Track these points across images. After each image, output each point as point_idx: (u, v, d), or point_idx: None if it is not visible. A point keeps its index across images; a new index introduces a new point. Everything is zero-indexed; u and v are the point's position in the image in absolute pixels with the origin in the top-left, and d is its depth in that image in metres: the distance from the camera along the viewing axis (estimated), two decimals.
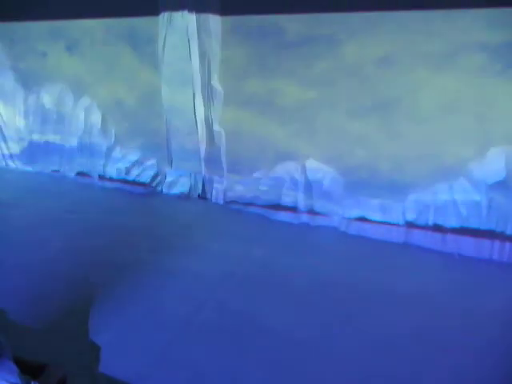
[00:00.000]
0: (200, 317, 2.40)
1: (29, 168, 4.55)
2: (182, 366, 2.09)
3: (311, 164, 3.22)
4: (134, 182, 4.01)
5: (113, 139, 4.05)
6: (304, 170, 3.24)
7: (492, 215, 2.74)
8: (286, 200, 3.36)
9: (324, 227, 3.26)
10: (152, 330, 2.31)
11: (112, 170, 4.09)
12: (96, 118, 4.02)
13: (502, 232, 2.73)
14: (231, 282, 2.69)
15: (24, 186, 4.19)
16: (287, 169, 3.31)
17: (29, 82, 4.27)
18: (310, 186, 3.25)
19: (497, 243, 2.76)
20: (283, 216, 3.39)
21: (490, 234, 2.77)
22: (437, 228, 2.91)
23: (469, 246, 2.83)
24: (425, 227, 2.94)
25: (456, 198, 2.83)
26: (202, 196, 3.82)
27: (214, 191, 3.73)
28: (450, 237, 2.87)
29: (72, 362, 2.06)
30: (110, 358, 2.13)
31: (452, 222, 2.86)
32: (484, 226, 2.77)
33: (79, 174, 4.29)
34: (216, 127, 3.53)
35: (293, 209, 3.35)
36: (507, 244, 2.73)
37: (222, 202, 3.69)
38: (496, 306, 2.39)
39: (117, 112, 3.94)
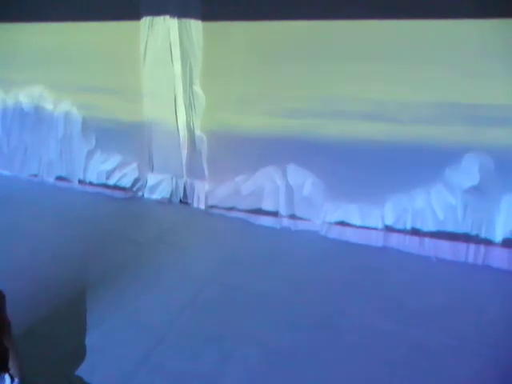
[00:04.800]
0: (178, 323, 2.40)
1: (6, 172, 4.48)
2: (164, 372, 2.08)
3: (292, 168, 3.25)
4: (114, 187, 3.97)
5: (93, 143, 4.01)
6: (285, 174, 3.27)
7: (467, 219, 2.81)
8: (268, 205, 3.38)
9: (305, 231, 3.29)
10: (130, 338, 2.29)
11: (92, 175, 4.05)
12: (76, 121, 3.98)
13: (476, 235, 2.80)
14: (212, 287, 2.70)
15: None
16: (268, 173, 3.34)
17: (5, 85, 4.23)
18: (291, 191, 3.27)
19: (472, 246, 2.82)
20: (265, 221, 3.41)
21: (465, 238, 2.83)
22: (414, 232, 2.96)
23: (445, 249, 2.89)
24: (403, 231, 3.00)
25: (433, 203, 2.90)
26: (184, 201, 3.81)
27: (195, 196, 3.73)
28: (427, 240, 2.93)
29: (49, 369, 2.04)
30: (89, 364, 2.11)
31: (429, 225, 2.92)
32: (460, 230, 2.84)
33: (58, 178, 4.23)
34: (197, 132, 3.54)
35: (274, 213, 3.37)
36: (482, 247, 2.80)
37: (203, 206, 3.69)
38: (469, 306, 2.45)
39: (98, 115, 3.92)
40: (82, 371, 2.07)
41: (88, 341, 2.25)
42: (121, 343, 2.26)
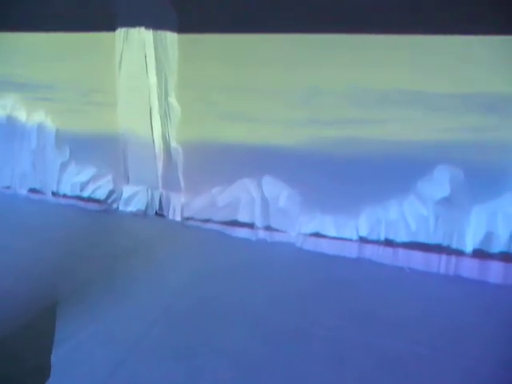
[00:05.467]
0: (150, 336, 2.35)
1: None
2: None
3: (267, 180, 3.26)
4: (88, 199, 3.91)
5: (67, 155, 3.96)
6: (260, 186, 3.27)
7: (439, 230, 2.85)
8: (243, 216, 3.37)
9: (281, 243, 3.28)
10: (100, 353, 2.24)
11: (66, 187, 3.99)
12: (50, 132, 3.93)
13: (448, 246, 2.84)
14: (185, 299, 2.66)
15: None
16: (244, 185, 3.33)
17: None
18: (266, 203, 3.28)
19: (444, 257, 2.86)
20: (241, 232, 3.40)
21: (437, 248, 2.87)
22: (388, 243, 2.99)
23: (418, 260, 2.92)
24: (377, 242, 3.02)
25: (406, 214, 2.94)
26: (159, 213, 3.78)
27: (171, 208, 3.70)
28: (400, 251, 2.96)
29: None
30: (55, 381, 2.05)
31: (402, 236, 2.95)
32: (432, 241, 2.88)
33: (32, 190, 4.15)
34: (173, 143, 3.53)
35: (250, 225, 3.36)
36: (453, 257, 2.84)
37: (179, 218, 3.66)
38: (441, 316, 2.48)
39: (72, 127, 3.87)
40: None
41: (55, 356, 2.20)
42: (90, 357, 2.20)
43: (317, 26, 2.81)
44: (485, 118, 2.64)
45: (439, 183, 2.80)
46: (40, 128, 3.94)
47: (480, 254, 2.78)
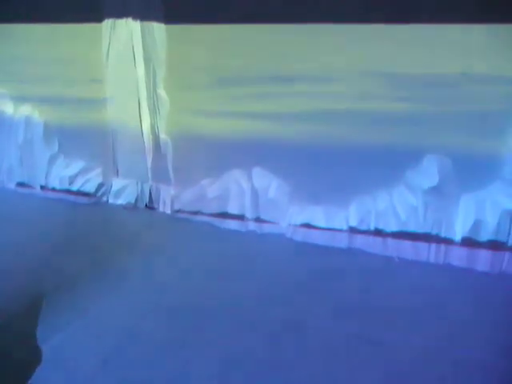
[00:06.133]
0: (139, 329, 2.35)
1: None
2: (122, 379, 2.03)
3: (257, 172, 3.25)
4: (78, 192, 3.88)
5: (56, 148, 3.92)
6: (250, 177, 3.26)
7: (428, 219, 2.86)
8: (233, 208, 3.36)
9: (271, 234, 3.28)
10: (89, 345, 2.23)
11: (55, 180, 3.95)
12: (38, 125, 3.88)
13: (437, 234, 2.85)
14: (175, 292, 2.65)
15: None
16: (234, 177, 3.32)
17: None
18: (256, 194, 3.27)
19: (433, 246, 2.88)
20: (231, 224, 3.39)
21: (426, 237, 2.88)
22: (378, 233, 3.00)
23: (408, 249, 2.93)
24: (367, 232, 3.03)
25: (395, 204, 2.94)
26: (150, 206, 3.75)
27: (161, 200, 3.68)
28: (390, 241, 2.97)
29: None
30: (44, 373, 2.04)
31: (392, 226, 2.96)
32: (421, 230, 2.89)
33: (20, 184, 4.11)
34: (162, 136, 3.50)
35: (240, 217, 3.36)
36: (442, 246, 2.85)
37: (169, 211, 3.64)
38: (431, 305, 2.49)
39: (60, 119, 3.83)
40: (36, 380, 1.99)
41: (44, 350, 2.18)
42: (79, 350, 2.20)
43: (303, 15, 2.80)
44: (473, 107, 2.64)
45: (428, 172, 2.80)
46: (27, 121, 3.89)
47: (468, 242, 2.80)
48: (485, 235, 2.75)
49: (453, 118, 2.69)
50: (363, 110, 2.85)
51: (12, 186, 4.13)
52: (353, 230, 3.06)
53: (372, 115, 2.84)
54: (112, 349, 2.20)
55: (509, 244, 2.73)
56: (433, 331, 2.29)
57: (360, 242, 3.06)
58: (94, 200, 3.84)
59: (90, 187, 3.83)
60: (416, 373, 2.04)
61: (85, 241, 3.22)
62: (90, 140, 3.77)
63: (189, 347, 2.21)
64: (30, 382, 1.98)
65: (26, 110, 3.91)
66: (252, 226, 3.33)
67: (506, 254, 2.75)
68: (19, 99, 3.92)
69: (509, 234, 2.71)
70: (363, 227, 3.03)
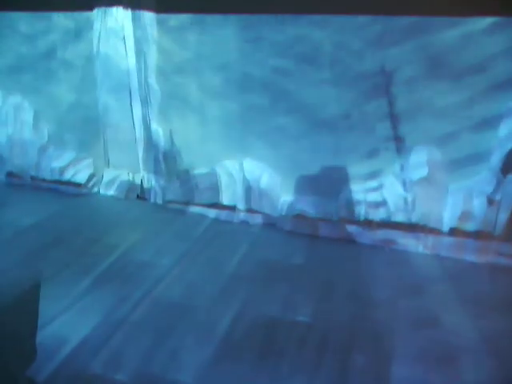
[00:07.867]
0: (131, 319, 2.38)
1: None
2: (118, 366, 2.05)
3: (248, 162, 3.26)
4: (68, 183, 3.87)
5: (46, 138, 3.89)
6: (242, 168, 3.27)
7: (417, 210, 2.90)
8: (225, 199, 3.37)
9: (262, 225, 3.30)
10: (82, 335, 2.25)
11: (45, 171, 3.93)
12: (28, 115, 3.85)
13: (425, 225, 2.90)
14: (167, 283, 2.68)
15: None
16: (225, 167, 3.33)
17: None
18: (248, 185, 3.28)
19: (422, 236, 2.92)
20: (222, 215, 3.40)
21: (415, 228, 2.93)
22: (367, 223, 3.03)
23: (397, 240, 2.98)
24: (357, 222, 3.06)
25: (385, 194, 2.97)
26: (141, 196, 3.75)
27: (152, 191, 3.68)
28: (379, 231, 3.01)
29: None
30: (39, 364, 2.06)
31: (381, 216, 2.99)
32: (410, 220, 2.93)
33: (9, 174, 4.08)
34: (154, 126, 3.49)
35: (231, 207, 3.37)
36: (430, 237, 2.90)
37: (160, 201, 3.65)
38: (420, 295, 2.54)
39: (51, 109, 3.80)
40: (32, 371, 2.01)
41: (38, 339, 2.19)
42: (73, 339, 2.21)
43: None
44: (461, 95, 2.66)
45: (417, 163, 2.84)
46: (17, 111, 3.86)
47: (456, 232, 2.85)
48: (472, 226, 2.80)
49: (442, 108, 2.72)
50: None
51: (2, 176, 4.10)
52: (343, 220, 3.09)
53: (360, 105, 2.87)
54: (106, 336, 2.22)
55: (496, 234, 2.78)
56: (423, 321, 2.34)
57: (350, 231, 3.09)
58: (85, 191, 3.83)
59: (81, 178, 3.82)
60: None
61: (76, 231, 3.21)
62: (81, 130, 3.74)
63: (179, 334, 2.24)
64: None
65: (15, 100, 3.87)
66: (243, 216, 3.35)
67: (493, 244, 2.80)
68: (8, 89, 3.87)
69: (495, 224, 2.76)
70: (353, 217, 3.06)
